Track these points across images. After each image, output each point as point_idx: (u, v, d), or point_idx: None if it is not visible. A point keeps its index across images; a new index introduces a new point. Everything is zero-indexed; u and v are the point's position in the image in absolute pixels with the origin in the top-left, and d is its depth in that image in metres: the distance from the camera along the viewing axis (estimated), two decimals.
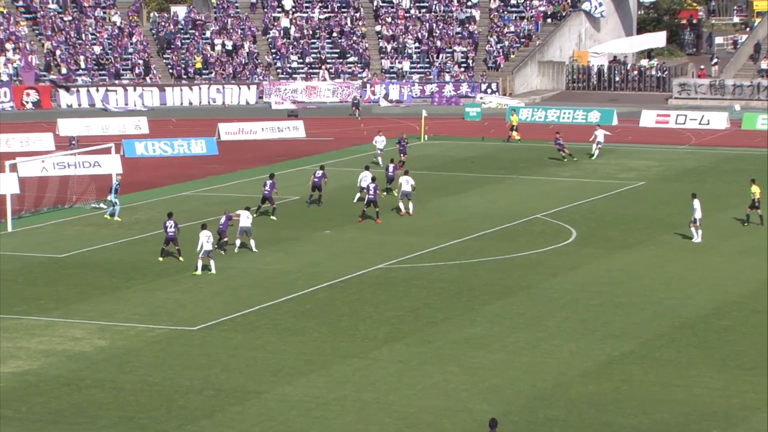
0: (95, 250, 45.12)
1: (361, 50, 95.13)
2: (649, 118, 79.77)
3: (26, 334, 34.43)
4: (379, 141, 62.82)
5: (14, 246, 45.93)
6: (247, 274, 41.32)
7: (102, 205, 52.64)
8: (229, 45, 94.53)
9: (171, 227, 43.12)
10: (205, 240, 40.65)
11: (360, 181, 52.25)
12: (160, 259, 42.76)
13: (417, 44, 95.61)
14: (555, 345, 33.33)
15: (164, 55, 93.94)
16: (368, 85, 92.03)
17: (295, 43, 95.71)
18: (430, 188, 57.26)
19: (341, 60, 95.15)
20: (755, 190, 48.07)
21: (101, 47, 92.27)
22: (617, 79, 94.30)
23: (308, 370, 31.27)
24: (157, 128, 77.39)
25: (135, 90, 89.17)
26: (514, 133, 72.10)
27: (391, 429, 27.39)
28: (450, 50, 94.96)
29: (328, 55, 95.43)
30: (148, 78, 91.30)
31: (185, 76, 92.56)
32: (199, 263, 40.83)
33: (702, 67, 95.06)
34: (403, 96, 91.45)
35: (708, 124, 77.24)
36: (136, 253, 44.61)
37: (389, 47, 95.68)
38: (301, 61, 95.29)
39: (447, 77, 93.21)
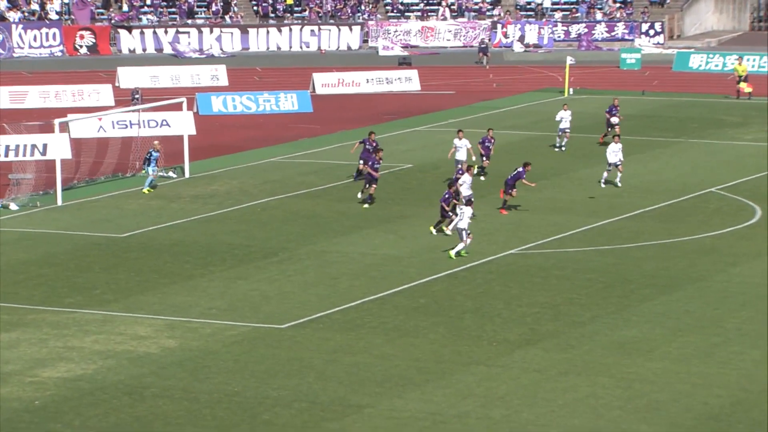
0: (163, 229, 45.82)
1: None
2: None
3: (79, 332, 35.14)
4: (566, 118, 57.54)
5: (65, 223, 46.86)
6: (348, 261, 41.61)
7: (171, 174, 53.41)
8: None
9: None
10: (465, 216, 41.14)
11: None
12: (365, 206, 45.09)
13: None
14: (734, 352, 33.02)
15: None
16: (499, 26, 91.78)
17: None
18: (576, 155, 56.94)
19: None
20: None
21: None
22: None
23: (422, 380, 31.41)
24: (238, 79, 78.21)
25: (212, 32, 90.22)
26: (743, 86, 70.43)
27: None
28: None
29: None
30: (227, 17, 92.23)
31: (273, 15, 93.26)
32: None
33: None
34: (542, 39, 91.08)
35: None
36: (214, 233, 45.19)
37: None
38: None
39: (598, 15, 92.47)
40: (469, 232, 41.41)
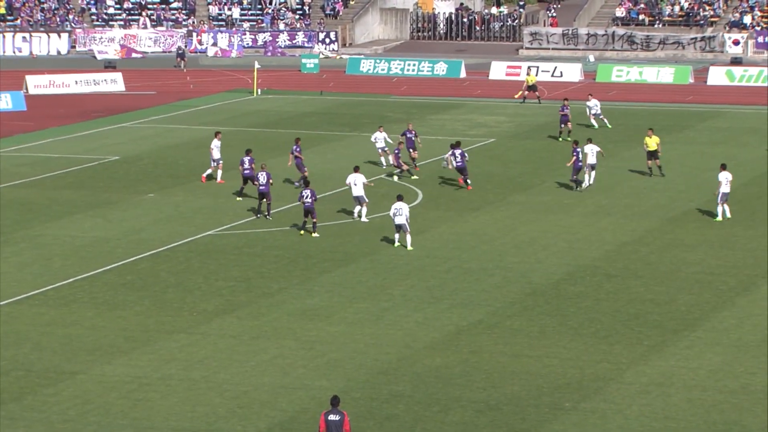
0: None
1: None
2: (498, 70, 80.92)
3: None
4: (380, 139, 52.39)
5: None
6: (60, 243, 40.65)
7: None
8: None
9: (308, 197, 40.99)
10: (392, 212, 39.33)
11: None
12: (301, 232, 41.30)
13: None
14: (400, 315, 33.69)
15: None
16: (194, 34, 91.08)
17: None
18: (264, 147, 57.04)
19: (164, 5, 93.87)
20: (654, 139, 49.57)
21: None
22: (465, 28, 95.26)
23: (129, 348, 30.99)
24: None
25: None
26: (521, 93, 68.59)
27: (222, 410, 27.37)
28: None
29: (149, 0, 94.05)
30: None
31: None
32: (396, 236, 39.72)
33: (554, 14, 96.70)
34: (233, 46, 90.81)
35: (561, 76, 78.77)
36: None
37: None
38: (118, 6, 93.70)
39: (281, 25, 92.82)
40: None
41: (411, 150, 51.36)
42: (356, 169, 43.99)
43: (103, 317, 33.34)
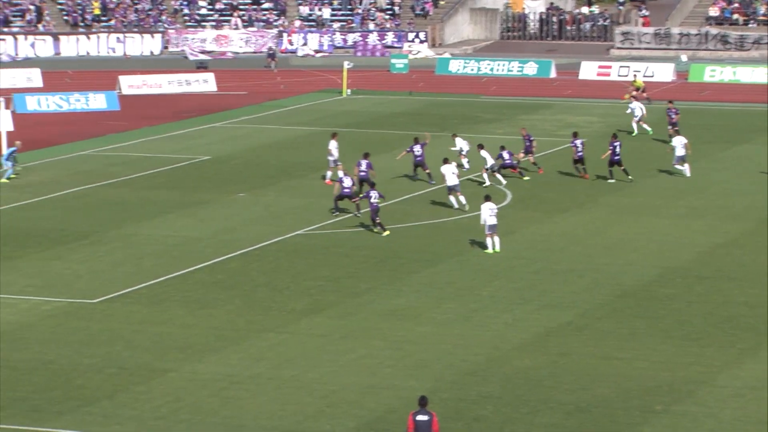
0: None
1: None
2: (589, 70, 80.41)
3: None
4: (459, 142, 52.60)
5: None
6: (153, 242, 41.14)
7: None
8: None
9: (375, 198, 41.49)
10: (488, 213, 39.34)
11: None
12: (386, 232, 41.48)
13: None
14: (488, 316, 33.62)
15: (58, 0, 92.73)
16: (285, 34, 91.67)
17: None
18: (353, 147, 57.19)
19: (255, 6, 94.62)
20: None
21: None
22: (555, 27, 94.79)
23: (220, 346, 31.27)
24: (51, 81, 76.47)
25: (26, 39, 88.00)
26: (634, 94, 66.32)
27: (311, 409, 27.52)
28: None
29: (241, 1, 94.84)
30: (40, 25, 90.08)
31: (82, 24, 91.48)
32: (488, 241, 39.59)
33: (646, 13, 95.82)
34: (323, 46, 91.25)
35: (653, 76, 78.06)
36: (30, 218, 44.17)
37: None
38: (210, 7, 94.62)
39: (371, 25, 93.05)
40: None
41: (529, 155, 51.33)
42: (446, 161, 44.98)
43: (194, 316, 33.69)
